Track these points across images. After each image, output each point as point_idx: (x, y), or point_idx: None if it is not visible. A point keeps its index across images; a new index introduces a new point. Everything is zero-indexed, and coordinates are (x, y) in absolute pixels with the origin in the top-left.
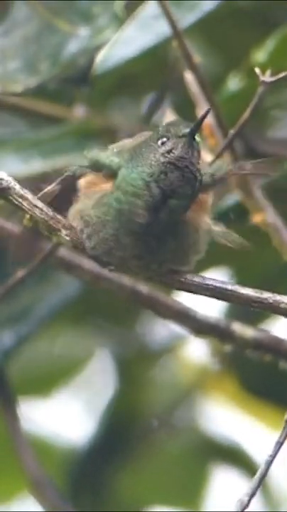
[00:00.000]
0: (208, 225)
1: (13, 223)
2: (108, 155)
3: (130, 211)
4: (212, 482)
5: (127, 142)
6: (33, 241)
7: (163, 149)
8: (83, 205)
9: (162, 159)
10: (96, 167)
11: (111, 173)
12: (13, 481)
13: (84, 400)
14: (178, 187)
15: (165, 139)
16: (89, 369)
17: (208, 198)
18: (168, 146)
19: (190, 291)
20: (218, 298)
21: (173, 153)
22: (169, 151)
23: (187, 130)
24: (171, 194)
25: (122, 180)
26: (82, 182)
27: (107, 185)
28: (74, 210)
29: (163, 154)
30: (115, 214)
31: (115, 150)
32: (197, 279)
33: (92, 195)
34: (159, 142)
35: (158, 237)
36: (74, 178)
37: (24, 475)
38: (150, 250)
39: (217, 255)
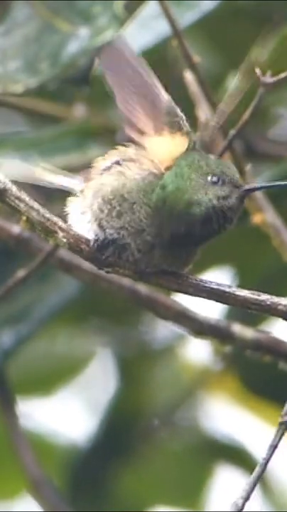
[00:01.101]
0: None
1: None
2: None
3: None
4: (213, 481)
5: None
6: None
7: (215, 190)
8: (116, 181)
9: (215, 202)
10: None
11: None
12: (13, 481)
13: (85, 399)
14: (214, 229)
15: (216, 179)
16: (90, 369)
17: None
18: (224, 191)
19: (188, 293)
20: (216, 300)
21: (228, 201)
22: (224, 198)
23: (246, 186)
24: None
25: (172, 185)
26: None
27: (149, 165)
28: (97, 183)
29: (216, 197)
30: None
31: None
32: (194, 281)
33: (130, 173)
34: (209, 178)
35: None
36: None
37: (23, 475)
38: (175, 247)
39: (216, 256)
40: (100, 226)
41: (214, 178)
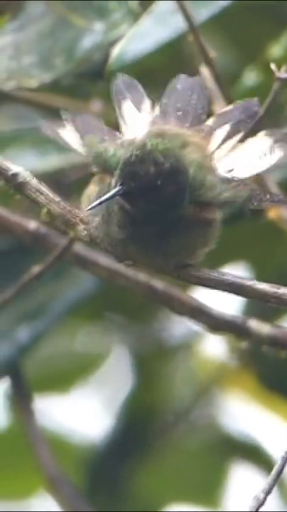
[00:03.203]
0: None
1: (28, 219)
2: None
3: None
4: (230, 479)
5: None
6: None
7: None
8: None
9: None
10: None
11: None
12: (30, 479)
13: (101, 396)
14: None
15: None
16: (106, 365)
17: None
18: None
19: (208, 287)
20: (235, 293)
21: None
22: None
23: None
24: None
25: None
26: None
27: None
28: (85, 195)
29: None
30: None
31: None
32: (214, 274)
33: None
34: None
35: (157, 233)
36: None
37: (40, 472)
38: (150, 244)
39: (232, 251)
40: None
41: None
